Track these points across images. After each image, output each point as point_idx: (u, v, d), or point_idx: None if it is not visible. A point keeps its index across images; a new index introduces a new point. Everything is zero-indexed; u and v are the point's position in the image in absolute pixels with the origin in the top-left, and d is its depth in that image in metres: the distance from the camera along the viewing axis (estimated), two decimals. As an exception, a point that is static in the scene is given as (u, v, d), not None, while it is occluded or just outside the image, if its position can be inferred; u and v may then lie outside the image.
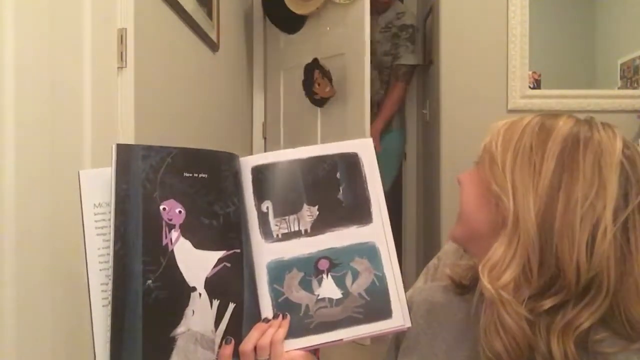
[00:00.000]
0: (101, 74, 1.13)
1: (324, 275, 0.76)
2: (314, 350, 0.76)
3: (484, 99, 2.51)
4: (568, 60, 3.58)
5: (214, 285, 0.72)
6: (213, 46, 2.11)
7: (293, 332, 0.74)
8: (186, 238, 0.71)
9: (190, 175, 0.73)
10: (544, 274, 0.65)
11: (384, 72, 2.99)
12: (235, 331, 0.72)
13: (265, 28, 3.09)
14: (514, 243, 0.67)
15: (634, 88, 3.25)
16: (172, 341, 0.69)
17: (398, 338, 0.84)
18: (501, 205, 0.68)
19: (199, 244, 0.72)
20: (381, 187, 0.79)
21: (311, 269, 0.76)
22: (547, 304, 0.65)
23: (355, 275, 0.76)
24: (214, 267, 0.72)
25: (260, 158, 0.79)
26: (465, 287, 0.81)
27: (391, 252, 0.77)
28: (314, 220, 0.77)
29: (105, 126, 1.16)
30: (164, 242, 0.70)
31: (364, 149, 0.80)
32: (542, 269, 0.65)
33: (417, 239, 3.20)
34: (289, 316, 0.74)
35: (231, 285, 0.73)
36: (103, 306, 0.67)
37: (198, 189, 0.73)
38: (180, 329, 0.69)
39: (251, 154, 3.02)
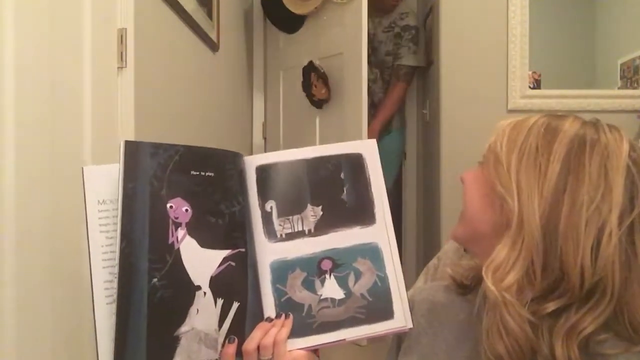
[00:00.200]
0: (101, 74, 1.13)
1: (327, 276, 0.76)
2: (314, 350, 0.76)
3: (484, 99, 2.51)
4: (568, 60, 3.58)
5: (218, 284, 0.72)
6: (213, 46, 2.11)
7: (296, 332, 0.74)
8: (192, 236, 0.71)
9: (197, 173, 0.73)
10: (547, 276, 0.65)
11: (386, 72, 2.99)
12: (239, 330, 0.72)
13: (265, 28, 3.09)
14: (518, 245, 0.66)
15: (634, 88, 3.26)
16: (176, 340, 0.68)
17: (400, 338, 0.84)
18: (505, 206, 0.68)
19: (204, 243, 0.72)
20: (384, 188, 0.80)
21: (314, 269, 0.76)
22: (551, 306, 0.65)
23: (358, 275, 0.76)
24: (219, 266, 0.72)
25: (265, 157, 0.79)
26: (466, 287, 0.81)
27: (393, 253, 0.78)
28: (318, 220, 0.77)
29: (105, 126, 1.16)
30: (170, 240, 0.69)
31: (368, 150, 0.80)
32: (546, 271, 0.65)
33: (417, 239, 3.20)
34: (291, 316, 0.74)
35: (236, 284, 0.73)
36: (107, 304, 0.67)
37: (205, 188, 0.73)
38: (184, 328, 0.69)
39: (251, 154, 3.02)
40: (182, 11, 1.66)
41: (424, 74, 3.05)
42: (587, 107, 2.49)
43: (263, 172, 0.77)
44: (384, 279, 0.76)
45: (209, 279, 0.71)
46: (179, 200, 0.71)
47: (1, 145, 0.84)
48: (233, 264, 0.73)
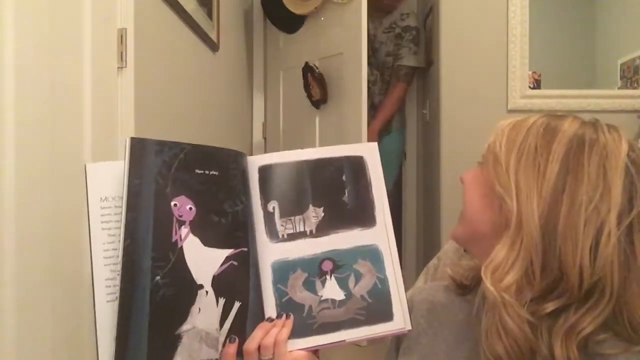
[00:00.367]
0: (101, 74, 1.13)
1: (328, 277, 0.76)
2: (314, 351, 0.76)
3: (484, 99, 2.51)
4: (568, 60, 3.58)
5: (220, 283, 0.72)
6: (213, 46, 2.11)
7: (296, 332, 0.74)
8: (195, 235, 0.71)
9: (202, 172, 0.73)
10: (546, 276, 0.65)
11: (386, 72, 2.99)
12: (240, 330, 0.72)
13: (265, 28, 3.09)
14: (517, 245, 0.66)
15: (634, 88, 3.25)
16: (177, 338, 0.68)
17: (399, 338, 0.84)
18: (504, 206, 0.68)
19: (207, 241, 0.72)
20: (385, 190, 0.80)
21: (315, 269, 0.76)
22: (550, 307, 0.65)
23: (358, 277, 0.77)
24: (222, 265, 0.72)
25: (267, 158, 0.79)
26: (466, 287, 0.81)
27: (393, 255, 0.78)
28: (319, 221, 0.78)
29: (105, 126, 1.16)
30: (174, 238, 0.69)
31: (370, 152, 0.81)
32: (545, 271, 0.65)
33: (417, 239, 3.20)
34: (292, 316, 0.74)
35: (237, 283, 0.73)
36: (107, 301, 0.67)
37: (209, 186, 0.73)
38: (185, 327, 0.69)
39: (251, 153, 3.02)
40: (182, 11, 1.66)
41: (424, 74, 3.05)
42: (587, 107, 2.49)
43: (266, 172, 0.78)
44: (383, 281, 0.77)
45: (211, 277, 0.71)
46: (183, 198, 0.71)
47: (1, 145, 0.84)
48: (235, 263, 0.73)
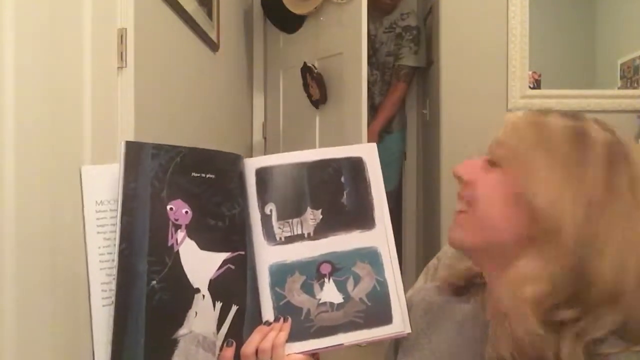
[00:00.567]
0: (101, 74, 1.13)
1: (326, 280, 0.75)
2: (314, 354, 0.76)
3: (484, 99, 2.51)
4: (568, 60, 3.58)
5: (217, 287, 0.71)
6: (213, 46, 2.11)
7: (294, 336, 0.73)
8: (192, 239, 0.70)
9: (198, 175, 0.72)
10: (571, 287, 0.64)
11: (387, 72, 2.99)
12: (237, 334, 0.72)
13: (265, 28, 3.09)
14: (547, 255, 0.64)
15: (634, 88, 3.26)
16: (174, 343, 0.68)
17: (397, 339, 0.84)
18: (537, 214, 0.65)
19: (204, 245, 0.71)
20: (384, 192, 0.79)
21: (313, 272, 0.75)
22: (566, 315, 0.63)
23: (357, 280, 0.76)
24: (219, 268, 0.71)
25: (265, 160, 0.78)
26: (461, 288, 0.81)
27: (392, 258, 0.77)
28: (317, 223, 0.76)
29: (105, 126, 1.16)
30: (170, 242, 0.69)
31: (369, 153, 0.79)
32: (571, 284, 0.63)
33: (417, 239, 3.20)
34: (290, 320, 0.73)
35: (235, 287, 0.72)
36: (103, 306, 0.66)
37: (205, 190, 0.72)
38: (182, 331, 0.68)
39: (251, 154, 3.03)
40: (182, 11, 1.66)
41: (424, 74, 3.05)
42: (587, 107, 2.49)
43: (263, 174, 0.77)
44: (383, 284, 0.76)
45: (208, 281, 0.71)
46: (179, 202, 0.70)
47: (1, 145, 0.84)
48: (232, 266, 0.72)
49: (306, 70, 2.61)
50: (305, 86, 2.64)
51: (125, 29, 1.22)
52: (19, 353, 0.86)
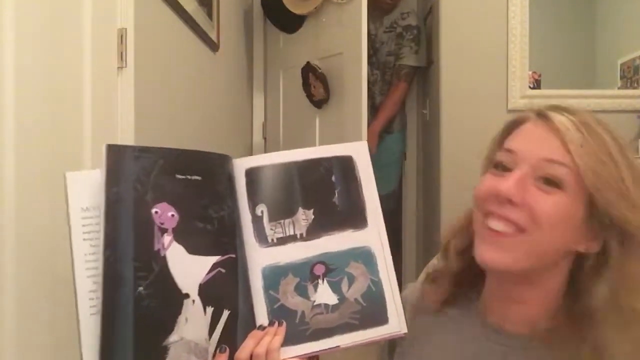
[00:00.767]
0: (101, 74, 1.13)
1: (320, 281, 0.74)
2: (312, 357, 0.75)
3: (484, 99, 2.51)
4: (568, 60, 3.58)
5: (208, 292, 0.69)
6: (213, 46, 2.11)
7: (289, 340, 0.72)
8: (179, 243, 0.68)
9: (184, 177, 0.70)
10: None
11: (387, 72, 2.98)
12: (230, 339, 0.70)
13: (265, 28, 3.09)
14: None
15: (634, 88, 3.26)
16: (164, 350, 0.66)
17: (392, 343, 0.84)
18: (613, 224, 0.66)
19: (192, 249, 0.69)
20: (376, 190, 0.78)
21: (307, 274, 0.74)
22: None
23: (351, 280, 0.74)
24: (208, 272, 0.70)
25: (254, 160, 0.77)
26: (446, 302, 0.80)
27: (387, 257, 0.76)
28: (310, 224, 0.75)
29: (105, 126, 1.16)
30: (156, 247, 0.67)
31: (359, 152, 0.78)
32: None
33: (417, 239, 3.20)
34: (284, 323, 0.72)
35: (226, 291, 0.71)
36: (91, 314, 0.65)
37: (191, 192, 0.70)
38: (173, 338, 0.66)
39: (251, 154, 3.03)
40: (182, 11, 1.66)
41: (424, 74, 3.05)
42: (587, 107, 2.45)
43: (253, 175, 0.75)
44: (377, 284, 0.75)
45: (197, 286, 0.69)
46: (164, 205, 0.68)
47: (1, 145, 0.84)
48: (223, 270, 0.70)
49: (309, 69, 2.60)
50: (307, 86, 2.63)
51: (125, 29, 1.22)
52: (19, 353, 0.86)
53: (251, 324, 0.72)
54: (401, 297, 0.76)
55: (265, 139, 3.11)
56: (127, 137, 1.22)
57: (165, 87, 1.57)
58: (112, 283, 0.64)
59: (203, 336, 0.68)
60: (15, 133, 0.86)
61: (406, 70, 2.93)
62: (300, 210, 0.75)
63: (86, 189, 0.67)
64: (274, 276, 0.73)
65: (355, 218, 0.76)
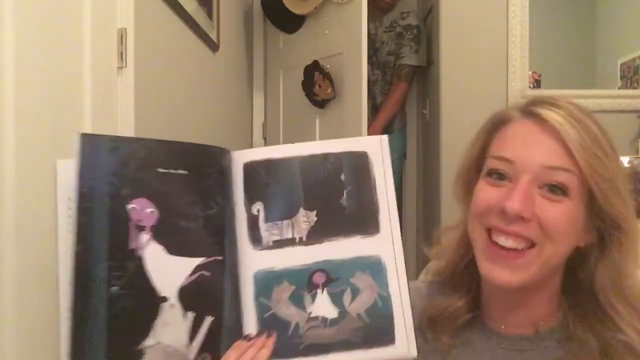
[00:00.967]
0: (101, 74, 1.13)
1: (319, 291, 0.67)
2: None
3: (484, 99, 2.51)
4: (568, 60, 3.58)
5: (189, 296, 0.64)
6: (213, 46, 2.11)
7: (279, 353, 0.65)
8: (158, 242, 0.64)
9: (167, 171, 0.65)
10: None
11: (388, 72, 2.98)
12: (214, 347, 0.65)
13: (265, 28, 3.09)
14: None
15: (634, 88, 3.26)
16: (139, 354, 0.62)
17: None
18: (612, 221, 0.68)
19: (173, 249, 0.64)
20: (394, 193, 0.70)
21: (304, 282, 0.67)
22: None
23: (355, 292, 0.67)
24: (190, 275, 0.65)
25: (254, 153, 0.70)
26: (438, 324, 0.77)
27: (399, 269, 0.67)
28: (311, 227, 0.68)
29: (105, 126, 1.15)
30: (132, 245, 0.63)
31: (376, 147, 0.70)
32: None
33: (417, 239, 3.20)
34: (274, 335, 0.65)
35: (210, 296, 0.65)
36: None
37: (175, 187, 0.65)
38: (148, 342, 0.62)
39: (251, 154, 3.02)
40: (182, 11, 1.66)
41: (424, 74, 3.05)
42: (587, 107, 2.48)
43: (252, 169, 0.68)
44: (386, 299, 0.66)
45: (177, 289, 0.64)
46: (142, 201, 0.64)
47: (1, 145, 0.84)
48: (207, 273, 0.65)
49: (315, 68, 2.59)
50: (310, 85, 2.62)
51: (125, 29, 1.22)
52: (19, 353, 0.86)
53: (238, 333, 0.66)
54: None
55: (265, 139, 3.11)
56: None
57: (165, 87, 1.57)
58: (84, 281, 0.61)
59: (182, 342, 0.64)
60: (16, 133, 0.86)
61: (406, 70, 2.93)
62: (302, 210, 0.68)
63: (73, 179, 0.63)
64: (267, 282, 0.67)
65: (365, 223, 0.68)
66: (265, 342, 0.64)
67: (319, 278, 0.67)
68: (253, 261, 0.67)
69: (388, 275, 0.67)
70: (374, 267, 0.67)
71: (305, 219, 0.68)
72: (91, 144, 0.63)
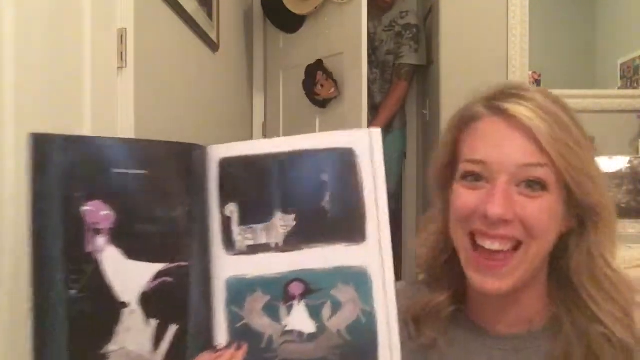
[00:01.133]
0: (101, 74, 1.13)
1: (296, 302, 0.62)
2: None
3: (484, 99, 2.51)
4: (568, 60, 3.58)
5: (151, 302, 0.62)
6: (213, 46, 2.11)
7: None
8: (116, 245, 0.61)
9: (124, 171, 0.62)
10: None
11: (387, 71, 2.98)
12: (180, 356, 0.62)
13: (265, 28, 3.09)
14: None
15: (634, 88, 3.25)
16: (102, 358, 0.61)
17: None
18: (590, 209, 0.68)
19: (133, 253, 0.62)
20: (385, 195, 0.63)
21: (280, 292, 0.62)
22: None
23: (337, 306, 0.61)
24: (153, 281, 0.62)
25: (231, 149, 0.64)
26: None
27: (387, 282, 0.61)
28: (289, 232, 0.62)
29: (105, 126, 1.16)
30: (88, 248, 0.61)
31: (364, 143, 0.63)
32: None
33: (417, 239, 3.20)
34: (244, 347, 0.61)
35: (174, 303, 0.62)
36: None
37: (133, 188, 0.62)
38: (112, 347, 0.61)
39: (251, 154, 3.02)
40: (182, 11, 1.66)
41: (424, 74, 3.05)
42: (587, 107, 2.48)
43: (228, 166, 0.63)
44: (370, 315, 0.61)
45: (138, 295, 0.61)
46: (97, 203, 0.61)
47: (1, 145, 0.84)
48: (170, 279, 0.62)
49: (317, 67, 2.58)
50: (311, 85, 2.62)
51: (125, 29, 1.22)
52: (19, 353, 0.86)
53: (208, 342, 0.62)
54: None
55: (265, 138, 3.12)
56: (126, 137, 1.21)
57: (165, 87, 1.57)
58: (41, 284, 0.60)
59: (146, 348, 0.61)
60: (16, 133, 0.86)
61: (406, 69, 2.93)
62: (278, 214, 0.62)
63: (26, 180, 0.62)
64: (240, 290, 0.62)
65: (350, 229, 0.62)
66: (235, 355, 0.61)
67: (296, 288, 0.62)
68: (226, 266, 0.62)
69: (374, 288, 0.61)
70: (358, 279, 0.61)
71: (282, 223, 0.63)
72: (43, 144, 0.61)
